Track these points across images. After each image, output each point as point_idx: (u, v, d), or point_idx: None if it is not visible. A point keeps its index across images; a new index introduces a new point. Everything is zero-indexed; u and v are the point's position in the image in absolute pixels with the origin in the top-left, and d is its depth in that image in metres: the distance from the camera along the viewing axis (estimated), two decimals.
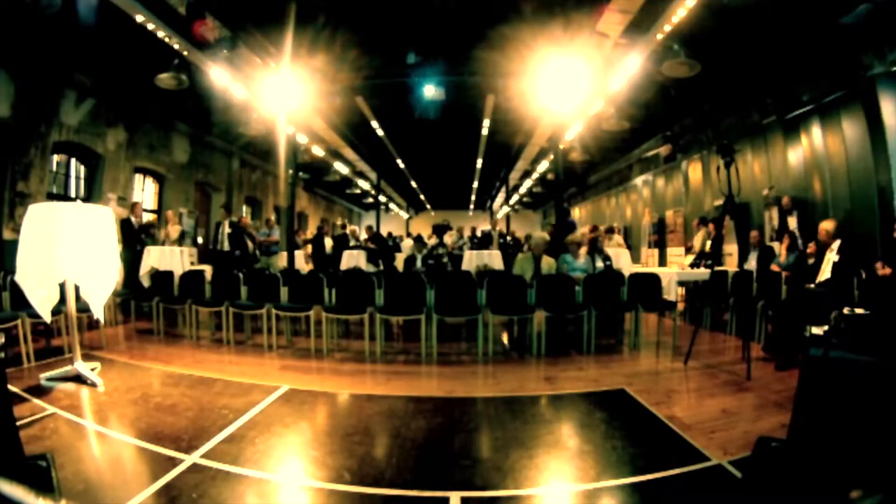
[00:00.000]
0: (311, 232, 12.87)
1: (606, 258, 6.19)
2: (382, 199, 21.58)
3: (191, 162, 11.15)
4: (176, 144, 10.65)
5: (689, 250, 7.73)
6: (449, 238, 12.84)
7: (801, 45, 6.25)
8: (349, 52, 7.28)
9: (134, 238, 7.37)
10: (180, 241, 8.11)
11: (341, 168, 15.61)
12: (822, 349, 1.67)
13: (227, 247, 8.29)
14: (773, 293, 5.26)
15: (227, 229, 8.38)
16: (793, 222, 7.19)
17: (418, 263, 7.71)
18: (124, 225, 7.46)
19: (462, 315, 4.91)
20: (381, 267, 8.55)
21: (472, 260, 9.06)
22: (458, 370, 4.26)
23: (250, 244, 8.77)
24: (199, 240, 11.08)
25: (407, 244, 11.92)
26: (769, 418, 2.89)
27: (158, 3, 5.68)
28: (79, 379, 3.59)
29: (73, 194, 8.41)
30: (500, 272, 7.62)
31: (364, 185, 19.15)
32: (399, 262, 9.16)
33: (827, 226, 4.85)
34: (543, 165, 14.71)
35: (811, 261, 5.39)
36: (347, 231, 11.16)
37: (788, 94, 7.39)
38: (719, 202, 8.17)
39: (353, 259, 9.03)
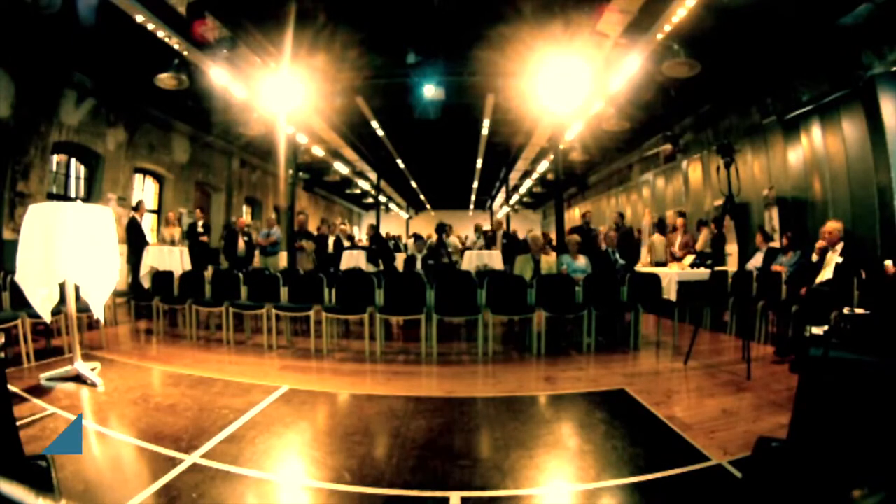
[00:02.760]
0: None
1: (614, 254, 6.20)
2: (382, 199, 21.57)
3: (191, 162, 11.14)
4: (176, 144, 10.64)
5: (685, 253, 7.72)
6: (455, 239, 12.79)
7: (801, 45, 6.25)
8: (349, 52, 7.27)
9: (140, 239, 7.37)
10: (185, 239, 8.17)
11: (341, 168, 15.60)
12: (822, 349, 1.67)
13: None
14: (774, 293, 5.26)
15: (200, 228, 8.56)
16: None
17: (418, 264, 7.71)
18: (131, 226, 7.46)
19: (462, 315, 4.91)
20: (382, 267, 8.54)
21: (472, 260, 9.06)
22: (458, 370, 4.26)
23: (242, 245, 8.79)
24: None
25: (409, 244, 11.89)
26: (769, 418, 2.90)
27: (158, 3, 5.67)
28: (79, 379, 3.59)
29: (73, 194, 8.40)
30: (500, 272, 7.62)
31: (364, 185, 19.14)
32: (399, 262, 9.16)
33: (835, 225, 4.85)
34: (543, 165, 14.70)
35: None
36: (331, 230, 10.74)
37: (788, 94, 7.39)
38: (719, 202, 8.16)
39: (353, 259, 9.03)
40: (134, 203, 8.43)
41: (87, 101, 8.00)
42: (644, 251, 10.08)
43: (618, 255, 6.29)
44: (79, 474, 2.18)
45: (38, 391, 3.38)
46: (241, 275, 5.40)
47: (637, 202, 13.90)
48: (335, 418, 3.10)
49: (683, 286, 5.75)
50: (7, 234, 6.66)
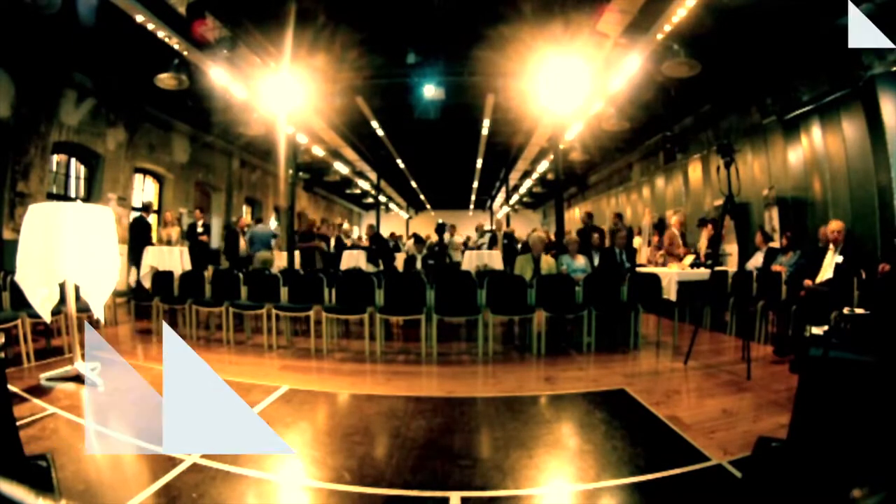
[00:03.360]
0: None
1: (621, 255, 6.18)
2: (382, 199, 21.58)
3: (191, 162, 11.14)
4: (176, 144, 10.64)
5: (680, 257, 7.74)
6: (456, 237, 12.78)
7: (801, 45, 6.25)
8: (349, 52, 7.28)
9: (147, 240, 7.37)
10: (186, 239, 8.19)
11: (341, 168, 15.61)
12: (822, 349, 1.67)
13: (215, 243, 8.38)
14: (774, 293, 5.26)
15: (199, 228, 8.53)
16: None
17: (418, 264, 7.71)
18: (138, 225, 7.45)
19: (462, 315, 4.91)
20: (382, 267, 8.54)
21: (472, 260, 9.06)
22: (458, 370, 4.26)
23: (243, 245, 8.81)
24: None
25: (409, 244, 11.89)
26: (769, 418, 2.89)
27: (158, 3, 5.67)
28: (79, 379, 3.59)
29: (73, 194, 8.41)
30: (500, 272, 7.62)
31: (364, 185, 19.14)
32: (399, 262, 9.16)
33: (836, 226, 4.85)
34: (543, 165, 14.70)
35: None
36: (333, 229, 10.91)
37: (788, 94, 7.38)
38: (719, 202, 8.16)
39: (353, 259, 9.03)
40: (141, 204, 8.53)
41: (87, 101, 8.00)
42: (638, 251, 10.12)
43: (625, 257, 6.28)
44: (79, 474, 2.18)
45: (38, 391, 3.38)
46: (241, 275, 5.40)
47: (637, 202, 13.89)
48: (335, 418, 3.10)
49: (683, 286, 5.75)
50: (7, 234, 6.66)
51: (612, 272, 5.74)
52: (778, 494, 1.67)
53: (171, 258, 7.09)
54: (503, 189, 20.26)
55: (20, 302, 3.87)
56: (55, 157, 7.93)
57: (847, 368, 1.65)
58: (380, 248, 9.30)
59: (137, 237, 7.32)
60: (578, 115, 9.12)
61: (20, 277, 3.57)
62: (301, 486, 2.18)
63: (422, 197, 23.92)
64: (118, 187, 8.80)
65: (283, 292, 5.13)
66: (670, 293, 5.66)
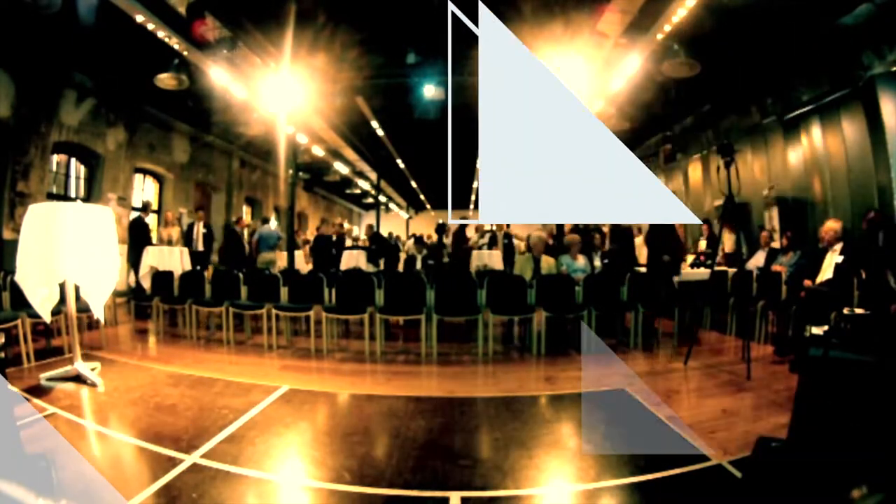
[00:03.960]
0: (311, 232, 12.88)
1: (604, 257, 6.19)
2: (382, 199, 21.57)
3: (191, 162, 11.14)
4: (176, 144, 10.64)
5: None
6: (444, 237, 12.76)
7: (801, 45, 6.25)
8: (349, 52, 7.28)
9: (147, 240, 7.36)
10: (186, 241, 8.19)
11: (341, 168, 15.61)
12: (822, 349, 1.67)
13: (200, 247, 8.29)
14: (774, 293, 5.26)
15: (203, 229, 8.41)
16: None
17: (418, 264, 7.71)
18: (137, 225, 7.44)
19: (462, 315, 4.90)
20: (382, 267, 8.54)
21: (472, 260, 9.06)
22: (458, 370, 4.26)
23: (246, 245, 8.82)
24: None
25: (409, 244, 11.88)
26: (769, 418, 2.90)
27: (158, 3, 5.68)
28: (79, 379, 3.59)
29: (73, 194, 8.41)
30: (500, 272, 7.62)
31: (364, 185, 19.14)
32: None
33: (834, 226, 4.84)
34: None
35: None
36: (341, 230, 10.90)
37: (788, 94, 7.39)
38: (719, 202, 8.16)
39: (353, 259, 9.02)
40: (141, 203, 8.49)
41: (87, 101, 8.00)
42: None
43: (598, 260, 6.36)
44: (79, 474, 2.18)
45: (38, 391, 3.38)
46: (241, 275, 5.40)
47: None
48: (335, 418, 3.10)
49: (683, 286, 5.75)
50: (7, 234, 6.66)
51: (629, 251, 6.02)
52: (778, 494, 1.67)
53: (171, 258, 7.08)
54: None
55: (20, 302, 3.86)
56: (55, 157, 7.93)
57: (847, 368, 1.65)
58: (380, 247, 9.30)
59: (137, 237, 7.31)
60: None
61: (20, 277, 3.57)
62: (301, 486, 2.18)
63: (422, 197, 23.91)
64: (118, 187, 8.80)
65: (283, 292, 5.13)
66: None
